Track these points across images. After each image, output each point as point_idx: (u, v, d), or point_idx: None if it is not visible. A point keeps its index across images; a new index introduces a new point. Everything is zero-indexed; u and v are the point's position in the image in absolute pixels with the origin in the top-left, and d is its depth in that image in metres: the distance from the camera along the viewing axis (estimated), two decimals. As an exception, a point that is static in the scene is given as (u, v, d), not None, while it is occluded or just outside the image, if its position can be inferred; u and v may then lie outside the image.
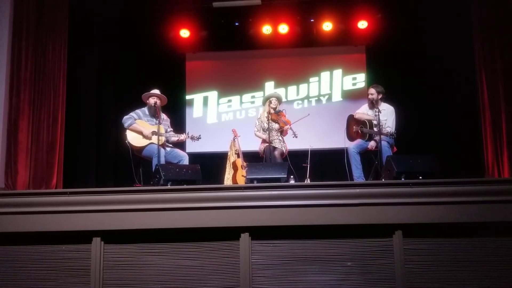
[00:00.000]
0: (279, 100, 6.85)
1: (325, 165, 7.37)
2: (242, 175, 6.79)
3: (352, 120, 6.51)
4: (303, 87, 8.60)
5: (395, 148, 6.37)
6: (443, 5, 7.47)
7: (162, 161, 5.90)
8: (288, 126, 6.53)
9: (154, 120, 6.19)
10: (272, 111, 6.69)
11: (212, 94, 8.71)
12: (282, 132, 6.67)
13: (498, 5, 6.25)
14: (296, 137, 6.39)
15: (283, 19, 8.23)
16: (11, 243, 4.71)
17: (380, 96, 6.38)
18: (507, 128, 5.98)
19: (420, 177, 4.91)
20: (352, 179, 6.15)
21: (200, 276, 4.55)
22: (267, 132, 6.53)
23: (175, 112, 7.85)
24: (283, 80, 8.60)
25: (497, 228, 4.47)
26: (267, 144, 6.55)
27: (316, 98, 8.58)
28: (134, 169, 6.06)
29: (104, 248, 4.64)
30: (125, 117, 6.15)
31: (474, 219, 4.46)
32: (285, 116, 6.71)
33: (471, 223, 4.47)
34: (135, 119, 6.14)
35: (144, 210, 4.65)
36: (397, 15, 8.01)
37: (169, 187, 5.05)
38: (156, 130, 6.03)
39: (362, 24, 8.20)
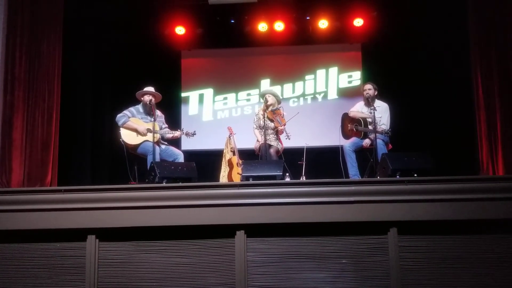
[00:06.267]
0: (276, 97, 6.82)
1: (321, 163, 7.38)
2: (238, 173, 6.77)
3: (346, 118, 6.52)
4: (298, 84, 8.59)
5: (390, 145, 6.38)
6: (438, 2, 7.47)
7: (157, 158, 5.89)
8: (282, 126, 6.51)
9: (149, 117, 6.17)
10: (269, 108, 6.66)
11: (208, 92, 8.69)
12: (277, 131, 6.66)
13: (495, 4, 6.25)
14: (289, 138, 6.39)
15: (278, 17, 8.23)
16: (5, 241, 4.69)
17: (376, 93, 6.40)
18: (502, 127, 5.99)
19: (415, 175, 4.92)
20: (347, 176, 6.17)
21: (195, 273, 4.55)
22: (263, 130, 6.51)
23: (171, 109, 7.84)
24: (279, 77, 8.59)
25: (491, 226, 4.48)
26: (262, 142, 6.55)
27: (312, 96, 8.58)
28: (129, 166, 6.05)
29: (99, 246, 4.62)
30: (119, 115, 6.14)
31: (468, 216, 4.47)
32: (281, 115, 6.69)
33: (466, 220, 4.48)
34: (129, 117, 6.13)
35: (139, 207, 4.64)
36: (393, 13, 8.00)
37: (164, 184, 5.05)
38: (151, 128, 6.02)
39: (358, 22, 8.21)
